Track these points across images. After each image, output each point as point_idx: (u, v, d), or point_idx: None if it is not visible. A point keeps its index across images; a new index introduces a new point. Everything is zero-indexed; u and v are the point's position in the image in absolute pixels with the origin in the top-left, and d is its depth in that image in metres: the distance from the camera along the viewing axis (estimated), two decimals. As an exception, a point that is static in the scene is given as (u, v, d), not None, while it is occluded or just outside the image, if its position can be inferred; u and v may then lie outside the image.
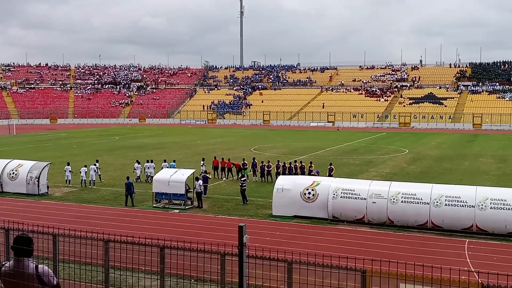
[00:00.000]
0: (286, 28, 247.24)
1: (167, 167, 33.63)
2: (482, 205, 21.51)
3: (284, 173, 32.22)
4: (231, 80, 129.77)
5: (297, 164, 34.19)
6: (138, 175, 34.86)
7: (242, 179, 28.94)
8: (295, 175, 31.10)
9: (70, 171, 33.57)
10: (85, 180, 32.91)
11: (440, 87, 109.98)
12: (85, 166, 33.85)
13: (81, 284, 9.75)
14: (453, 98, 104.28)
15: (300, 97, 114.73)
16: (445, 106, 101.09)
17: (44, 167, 30.47)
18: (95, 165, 34.03)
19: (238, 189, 28.58)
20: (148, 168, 34.76)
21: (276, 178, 28.45)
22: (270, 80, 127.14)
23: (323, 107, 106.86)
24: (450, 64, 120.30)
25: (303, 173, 32.38)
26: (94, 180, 32.97)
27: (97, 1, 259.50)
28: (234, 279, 7.49)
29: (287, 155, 47.17)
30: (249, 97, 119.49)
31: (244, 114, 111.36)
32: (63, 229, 9.61)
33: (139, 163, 35.84)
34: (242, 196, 27.85)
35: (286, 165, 34.26)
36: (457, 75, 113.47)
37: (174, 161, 36.55)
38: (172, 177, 26.97)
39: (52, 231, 9.81)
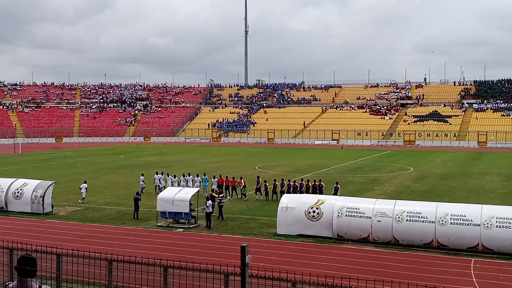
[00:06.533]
0: (291, 47, 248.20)
1: (172, 181, 36.04)
2: (487, 223, 21.38)
3: (289, 191, 32.12)
4: (236, 99, 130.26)
5: (303, 182, 34.00)
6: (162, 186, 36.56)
7: (221, 195, 29.48)
8: (300, 193, 31.01)
9: (86, 188, 33.85)
10: (163, 186, 35.73)
11: (444, 105, 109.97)
12: (161, 173, 37.83)
13: (84, 304, 9.73)
14: (458, 116, 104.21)
15: (304, 115, 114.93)
16: (450, 124, 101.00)
17: (49, 186, 30.54)
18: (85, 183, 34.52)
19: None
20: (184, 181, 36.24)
21: (281, 196, 28.40)
22: (275, 98, 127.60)
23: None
24: (454, 82, 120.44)
25: (308, 192, 32.24)
26: (84, 197, 33.73)
27: (105, 22, 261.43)
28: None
29: (292, 173, 47.10)
30: (253, 115, 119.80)
31: (248, 132, 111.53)
32: (67, 249, 9.61)
33: (157, 173, 38.39)
34: (219, 213, 28.07)
35: (291, 183, 34.14)
36: (461, 93, 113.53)
37: (204, 175, 37.22)
38: (177, 196, 26.96)
39: (56, 250, 9.81)
